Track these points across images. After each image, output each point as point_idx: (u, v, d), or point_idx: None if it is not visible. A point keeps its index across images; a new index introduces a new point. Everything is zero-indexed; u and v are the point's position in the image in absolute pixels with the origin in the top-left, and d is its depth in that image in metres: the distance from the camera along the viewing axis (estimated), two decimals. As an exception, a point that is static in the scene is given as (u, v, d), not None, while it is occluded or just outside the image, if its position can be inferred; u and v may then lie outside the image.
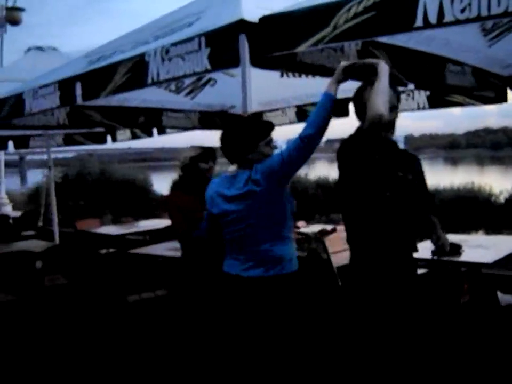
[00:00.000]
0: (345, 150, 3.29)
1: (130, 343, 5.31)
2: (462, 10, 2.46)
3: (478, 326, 4.93)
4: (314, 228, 7.85)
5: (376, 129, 2.98)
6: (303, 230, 7.19)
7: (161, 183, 16.10)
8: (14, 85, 5.98)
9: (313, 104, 6.82)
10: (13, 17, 13.43)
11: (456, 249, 5.11)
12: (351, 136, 3.34)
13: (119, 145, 9.98)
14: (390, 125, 3.28)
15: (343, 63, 3.12)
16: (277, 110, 7.42)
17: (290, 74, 5.45)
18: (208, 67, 3.44)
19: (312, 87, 6.40)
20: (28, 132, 9.48)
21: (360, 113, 3.34)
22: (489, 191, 12.01)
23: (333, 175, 16.24)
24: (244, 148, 3.32)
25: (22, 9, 13.46)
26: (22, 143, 10.23)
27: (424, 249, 5.30)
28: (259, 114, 7.27)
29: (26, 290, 5.54)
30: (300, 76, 5.30)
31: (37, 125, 6.74)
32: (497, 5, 2.39)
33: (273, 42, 3.27)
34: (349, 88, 3.99)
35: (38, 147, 10.40)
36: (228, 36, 3.34)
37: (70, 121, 6.64)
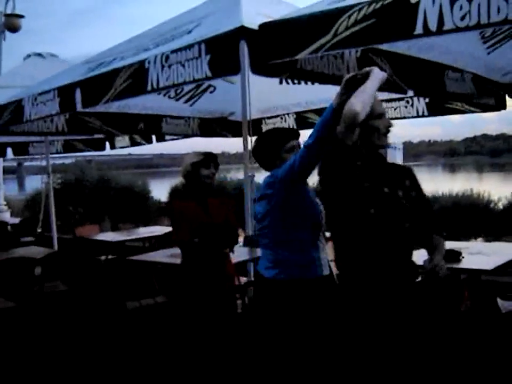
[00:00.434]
0: (326, 165, 2.98)
1: (130, 349, 5.29)
2: (462, 18, 2.47)
3: (478, 333, 4.93)
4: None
5: (351, 131, 2.73)
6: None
7: (160, 190, 16.10)
8: (13, 91, 5.98)
9: (312, 111, 6.84)
10: (12, 23, 13.40)
11: (456, 256, 5.11)
12: (331, 151, 2.95)
13: (118, 151, 9.98)
14: (381, 133, 3.08)
15: (346, 76, 2.86)
16: (277, 116, 7.43)
17: (289, 81, 5.46)
18: (209, 74, 3.44)
19: (311, 94, 6.44)
20: (27, 139, 9.50)
21: None
22: (488, 198, 11.99)
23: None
24: (266, 154, 3.56)
25: (21, 16, 13.44)
26: (21, 149, 10.25)
27: (425, 256, 5.32)
28: (258, 121, 7.28)
29: (26, 297, 5.53)
30: (299, 82, 5.31)
31: (36, 131, 6.74)
32: (497, 12, 2.39)
33: (274, 49, 3.27)
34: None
35: (38, 153, 10.41)
36: (228, 43, 3.34)
37: (69, 127, 6.65)
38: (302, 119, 7.08)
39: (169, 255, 5.89)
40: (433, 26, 2.54)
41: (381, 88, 4.32)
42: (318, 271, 3.50)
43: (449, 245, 5.79)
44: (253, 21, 3.35)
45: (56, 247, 8.75)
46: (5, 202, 15.13)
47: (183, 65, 3.56)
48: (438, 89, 4.50)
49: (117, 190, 16.58)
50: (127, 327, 5.63)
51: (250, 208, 5.53)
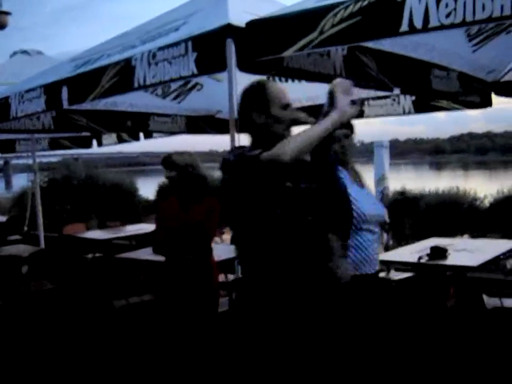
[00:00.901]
0: (230, 169, 2.81)
1: (117, 348, 5.29)
2: (447, 15, 2.48)
3: (464, 329, 4.96)
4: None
5: (272, 169, 2.59)
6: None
7: (147, 188, 16.07)
8: (0, 88, 5.96)
9: (299, 108, 6.84)
10: (-2, 21, 13.32)
11: (442, 253, 5.14)
12: (240, 156, 2.80)
13: (105, 149, 9.95)
14: (285, 124, 2.90)
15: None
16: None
17: (276, 79, 5.47)
18: (195, 71, 3.45)
19: (298, 92, 6.43)
20: (13, 136, 9.45)
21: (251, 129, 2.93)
22: (474, 196, 12.05)
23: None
24: None
25: (8, 13, 13.36)
26: (8, 147, 10.19)
27: (411, 253, 5.35)
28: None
29: (12, 295, 5.51)
30: (286, 80, 5.32)
31: (23, 129, 6.71)
32: (482, 10, 2.41)
33: (260, 47, 3.28)
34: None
35: (24, 151, 10.36)
36: (215, 40, 3.36)
37: (55, 125, 6.62)
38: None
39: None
40: (418, 23, 2.56)
41: (368, 86, 4.37)
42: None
43: (435, 241, 5.85)
44: (239, 18, 3.36)
45: (43, 245, 8.71)
46: (-10, 201, 15.07)
47: (170, 63, 3.57)
48: (424, 87, 4.52)
49: (104, 188, 16.54)
50: (114, 325, 5.62)
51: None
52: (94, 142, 9.38)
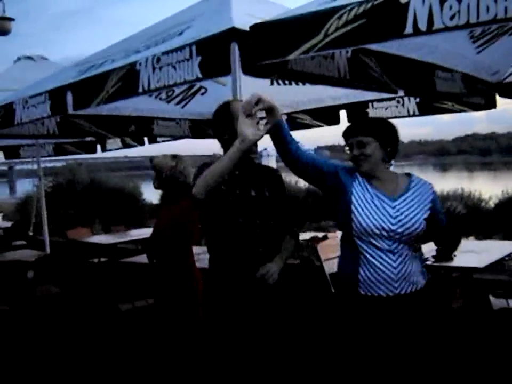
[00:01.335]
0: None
1: (123, 351, 5.29)
2: (452, 17, 2.48)
3: (470, 331, 4.96)
4: (306, 236, 7.87)
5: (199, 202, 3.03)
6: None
7: (152, 192, 16.09)
8: (4, 94, 5.97)
9: (303, 111, 6.85)
10: (2, 27, 13.37)
11: (448, 254, 5.14)
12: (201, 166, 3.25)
13: (110, 154, 9.97)
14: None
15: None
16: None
17: (280, 82, 5.48)
18: (199, 75, 3.45)
19: (302, 95, 6.44)
20: (17, 142, 9.48)
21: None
22: (478, 197, 12.05)
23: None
24: None
25: (11, 19, 13.41)
26: (12, 152, 10.22)
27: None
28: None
29: (18, 300, 5.52)
30: (290, 83, 5.32)
31: (27, 134, 6.72)
32: (486, 11, 2.40)
33: (264, 50, 3.27)
34: (340, 95, 4.04)
35: (29, 157, 10.39)
36: (219, 44, 3.36)
37: (60, 130, 6.64)
38: (293, 120, 7.08)
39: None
40: (423, 26, 2.55)
41: (372, 88, 4.36)
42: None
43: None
44: (243, 22, 3.36)
45: (48, 250, 8.73)
46: (-5, 206, 15.10)
47: (174, 67, 3.58)
48: (429, 88, 4.52)
49: (108, 192, 16.56)
50: (120, 328, 5.62)
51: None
52: (99, 147, 9.40)
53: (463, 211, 11.24)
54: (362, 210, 3.14)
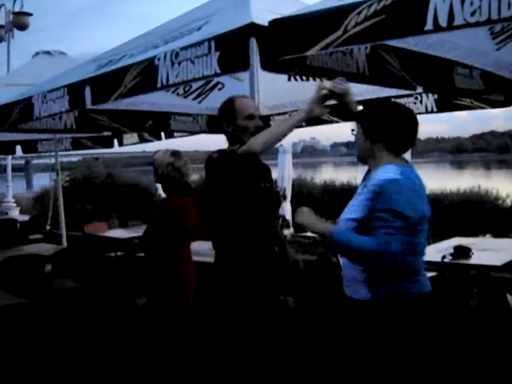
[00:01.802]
0: (214, 165, 3.44)
1: (140, 345, 5.31)
2: (472, 14, 2.47)
3: (487, 329, 4.93)
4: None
5: (247, 159, 3.22)
6: (310, 234, 7.18)
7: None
8: (22, 89, 6.00)
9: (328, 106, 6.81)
10: (20, 21, 13.46)
11: (466, 252, 5.11)
12: (222, 152, 3.49)
13: (127, 148, 10.00)
14: (250, 132, 3.41)
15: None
16: (285, 113, 7.40)
17: (298, 78, 5.46)
18: (218, 71, 3.46)
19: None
20: (35, 136, 9.52)
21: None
22: (495, 195, 11.99)
23: (340, 179, 16.23)
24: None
25: (29, 14, 13.50)
26: (30, 147, 10.28)
27: (435, 252, 5.32)
28: (266, 118, 7.27)
29: (36, 294, 5.56)
30: (307, 79, 5.31)
31: (44, 128, 6.74)
32: (508, 8, 2.39)
33: (283, 46, 3.28)
34: (357, 92, 3.98)
35: (46, 151, 10.44)
36: (238, 40, 3.36)
37: (77, 125, 6.66)
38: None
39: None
40: (443, 22, 2.54)
41: (390, 84, 4.35)
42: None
43: (459, 241, 5.82)
44: (262, 17, 3.36)
45: (65, 244, 8.78)
46: (13, 200, 15.20)
47: (193, 62, 3.58)
48: (447, 85, 4.50)
49: (124, 187, 16.65)
50: (137, 322, 5.64)
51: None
52: (115, 142, 9.43)
53: None
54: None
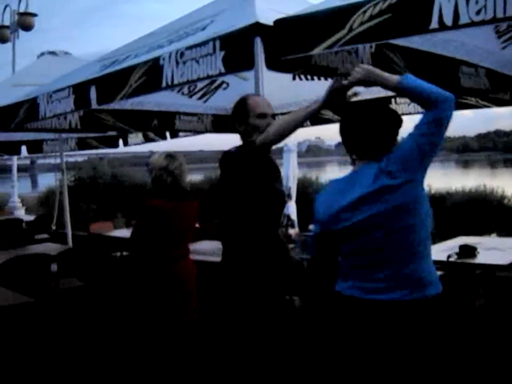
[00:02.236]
0: (233, 159, 3.43)
1: (143, 344, 5.31)
2: (478, 12, 2.46)
3: (493, 329, 4.92)
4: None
5: (265, 149, 3.32)
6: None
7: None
8: (28, 89, 6.01)
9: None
10: (25, 22, 13.47)
11: (471, 251, 5.10)
12: (239, 147, 3.47)
13: (134, 148, 10.00)
14: (261, 131, 3.40)
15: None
16: (290, 113, 7.41)
17: (302, 77, 5.46)
18: (223, 70, 3.45)
19: (324, 90, 6.41)
20: (41, 136, 9.54)
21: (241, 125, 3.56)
22: (501, 194, 11.94)
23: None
24: (383, 137, 2.82)
25: (34, 14, 13.50)
26: (35, 147, 10.30)
27: (440, 251, 5.31)
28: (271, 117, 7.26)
29: (42, 293, 5.57)
30: (312, 78, 5.30)
31: (49, 128, 6.75)
32: (513, 6, 2.39)
33: (288, 45, 3.28)
34: (362, 90, 3.96)
35: (52, 151, 10.46)
36: (243, 39, 3.35)
37: (82, 125, 6.67)
38: (315, 115, 7.03)
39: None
40: (448, 20, 2.54)
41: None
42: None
43: (464, 240, 5.81)
44: (267, 17, 3.36)
45: (71, 243, 8.79)
46: (19, 200, 15.22)
47: (198, 62, 3.58)
48: (453, 84, 4.49)
49: (130, 186, 16.67)
50: (137, 323, 5.65)
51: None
52: (120, 142, 9.44)
53: None
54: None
